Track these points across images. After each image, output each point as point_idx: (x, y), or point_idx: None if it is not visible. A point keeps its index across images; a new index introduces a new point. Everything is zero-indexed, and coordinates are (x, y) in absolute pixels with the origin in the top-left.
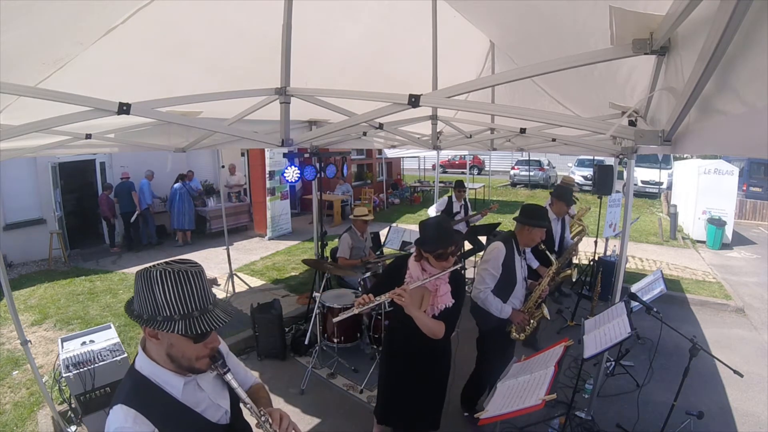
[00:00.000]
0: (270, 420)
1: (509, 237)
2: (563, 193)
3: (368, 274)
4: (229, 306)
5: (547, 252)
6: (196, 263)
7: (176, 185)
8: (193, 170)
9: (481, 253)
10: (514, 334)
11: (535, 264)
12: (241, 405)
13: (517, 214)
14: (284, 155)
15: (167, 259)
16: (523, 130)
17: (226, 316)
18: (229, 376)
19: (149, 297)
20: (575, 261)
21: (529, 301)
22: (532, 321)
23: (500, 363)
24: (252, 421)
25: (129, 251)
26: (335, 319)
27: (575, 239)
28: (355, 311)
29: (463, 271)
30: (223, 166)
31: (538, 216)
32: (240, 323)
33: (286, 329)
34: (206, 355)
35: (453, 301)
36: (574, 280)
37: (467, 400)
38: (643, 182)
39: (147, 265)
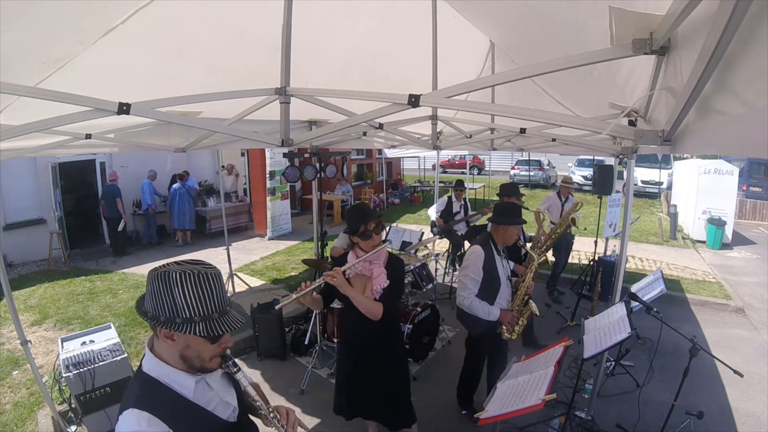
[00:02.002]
0: (278, 416)
1: (486, 239)
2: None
3: None
4: (241, 308)
5: (527, 248)
6: (212, 265)
7: (175, 185)
8: (193, 170)
9: None
10: (506, 334)
11: (510, 264)
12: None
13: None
14: (284, 155)
15: (179, 260)
16: (523, 130)
17: (242, 317)
18: (239, 375)
19: (167, 298)
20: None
21: (515, 299)
22: (521, 319)
23: (492, 358)
24: (253, 416)
25: (115, 255)
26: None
27: (548, 232)
28: (294, 296)
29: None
30: (223, 167)
31: (512, 214)
32: None
33: (286, 329)
34: (219, 355)
35: (388, 282)
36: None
37: (462, 397)
38: (643, 182)
39: (157, 264)
